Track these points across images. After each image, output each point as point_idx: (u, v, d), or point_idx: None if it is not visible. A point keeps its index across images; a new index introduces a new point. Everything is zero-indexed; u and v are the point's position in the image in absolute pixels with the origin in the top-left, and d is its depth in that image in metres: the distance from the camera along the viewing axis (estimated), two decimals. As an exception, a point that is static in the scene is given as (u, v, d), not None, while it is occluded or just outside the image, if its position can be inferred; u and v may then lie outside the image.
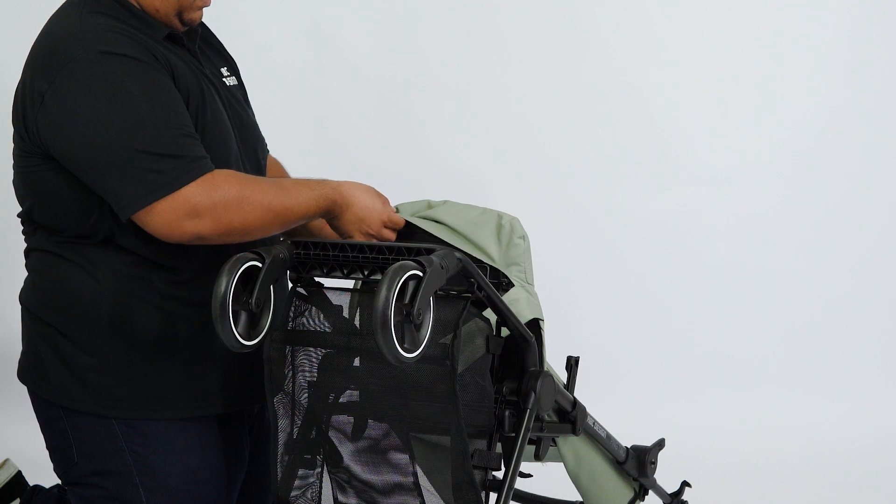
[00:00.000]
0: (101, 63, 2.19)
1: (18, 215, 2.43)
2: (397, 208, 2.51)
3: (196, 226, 2.18)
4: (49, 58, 2.24)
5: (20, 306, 2.45)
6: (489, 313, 2.17)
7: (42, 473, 2.78)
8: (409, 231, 2.46)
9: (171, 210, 2.16)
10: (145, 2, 2.33)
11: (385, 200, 2.44)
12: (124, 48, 2.22)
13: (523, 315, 2.25)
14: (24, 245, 2.44)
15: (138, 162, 2.16)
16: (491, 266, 2.31)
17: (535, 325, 2.28)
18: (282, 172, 2.71)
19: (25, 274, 2.47)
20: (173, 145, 2.18)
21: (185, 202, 2.17)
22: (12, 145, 2.38)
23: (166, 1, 2.33)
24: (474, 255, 2.36)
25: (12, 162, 2.39)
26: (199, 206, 2.17)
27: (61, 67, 2.20)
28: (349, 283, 2.25)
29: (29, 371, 2.42)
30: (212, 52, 2.52)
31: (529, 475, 2.54)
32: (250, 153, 2.46)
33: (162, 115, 2.19)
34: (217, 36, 2.59)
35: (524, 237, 2.39)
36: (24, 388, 2.47)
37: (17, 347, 2.51)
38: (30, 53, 2.32)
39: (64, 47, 2.22)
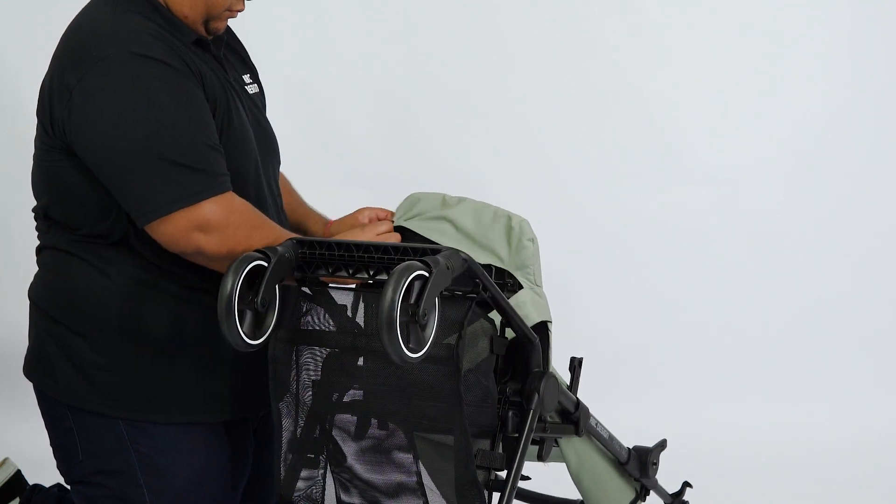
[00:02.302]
0: (133, 64, 2.18)
1: (33, 210, 2.42)
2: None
3: (201, 241, 2.19)
4: (80, 53, 2.22)
5: (28, 302, 2.44)
6: (494, 314, 2.17)
7: (42, 473, 2.78)
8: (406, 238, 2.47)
9: (184, 221, 2.17)
10: (175, 7, 2.32)
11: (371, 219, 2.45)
12: (157, 52, 2.21)
13: (530, 318, 2.26)
14: (33, 242, 2.43)
15: (160, 170, 2.16)
16: (496, 267, 2.31)
17: (542, 327, 2.29)
18: (287, 188, 2.71)
19: (26, 272, 2.47)
20: (197, 157, 2.18)
21: (200, 217, 2.17)
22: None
23: (195, 9, 2.32)
24: (484, 258, 2.37)
25: (33, 153, 2.37)
26: (213, 222, 2.18)
27: (93, 64, 2.19)
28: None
29: (35, 368, 2.42)
30: (235, 59, 2.51)
31: (528, 477, 2.55)
32: (268, 163, 2.46)
33: (188, 125, 2.19)
34: (240, 40, 2.59)
35: (533, 239, 2.40)
36: (24, 388, 2.48)
37: (16, 347, 2.51)
38: (59, 46, 2.30)
39: (97, 44, 2.21)
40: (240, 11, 2.39)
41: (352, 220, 2.58)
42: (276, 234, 2.23)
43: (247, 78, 2.51)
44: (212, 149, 2.21)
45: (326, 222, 2.65)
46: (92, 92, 2.18)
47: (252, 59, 2.59)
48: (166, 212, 2.16)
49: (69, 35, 2.30)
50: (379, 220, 2.56)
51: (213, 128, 2.25)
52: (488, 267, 2.34)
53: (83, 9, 2.34)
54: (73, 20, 2.32)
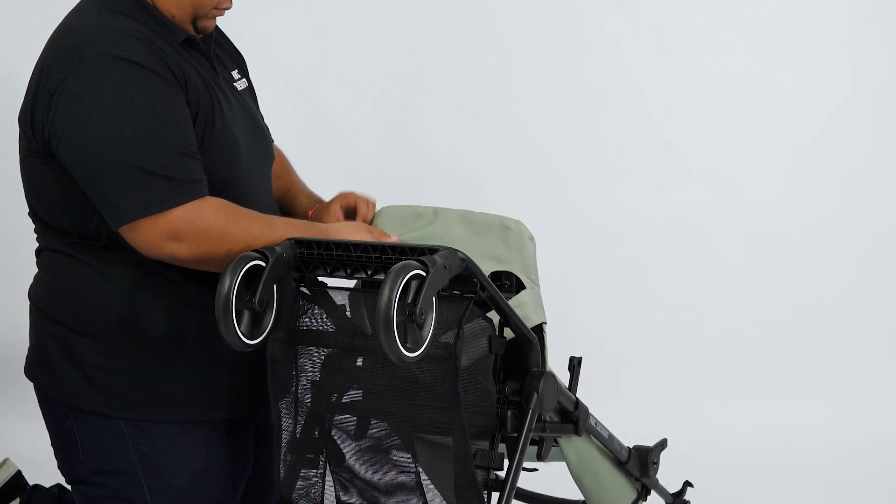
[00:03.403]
0: (111, 68, 2.18)
1: (29, 214, 2.42)
2: (381, 212, 2.52)
3: (173, 248, 2.18)
4: (62, 55, 2.22)
5: (28, 303, 2.44)
6: (493, 314, 2.16)
7: (42, 473, 2.78)
8: None
9: (153, 229, 2.17)
10: (163, 7, 2.31)
11: (380, 235, 2.43)
12: (139, 56, 2.20)
13: (530, 318, 2.26)
14: (32, 244, 2.43)
15: (130, 177, 2.15)
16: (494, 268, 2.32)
17: (537, 326, 2.29)
18: (282, 162, 2.70)
19: (25, 273, 2.47)
20: (167, 165, 2.17)
21: (168, 224, 2.17)
22: (12, 144, 2.36)
23: (182, 8, 2.32)
24: (486, 266, 2.37)
25: (19, 159, 2.36)
26: (182, 230, 2.17)
27: (73, 67, 2.18)
28: (352, 283, 2.25)
29: (36, 368, 2.42)
30: (223, 54, 2.50)
31: (535, 469, 2.54)
32: (259, 160, 2.45)
33: (162, 133, 2.18)
34: (225, 33, 2.58)
35: (532, 238, 2.39)
36: (24, 388, 2.48)
37: (16, 347, 2.51)
38: (45, 48, 2.30)
39: (78, 46, 2.20)
40: (227, 9, 2.38)
41: (331, 212, 2.56)
42: (254, 235, 2.21)
43: (235, 73, 2.50)
44: (185, 155, 2.20)
45: (314, 204, 2.63)
46: (71, 95, 2.18)
47: (238, 49, 2.58)
48: (133, 219, 2.16)
49: (54, 37, 2.29)
50: (349, 206, 2.54)
51: (191, 134, 2.23)
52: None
53: (71, 10, 2.33)
54: (61, 22, 2.32)
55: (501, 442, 2.20)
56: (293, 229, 2.27)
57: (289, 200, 2.66)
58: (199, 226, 2.18)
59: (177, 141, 2.19)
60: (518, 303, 2.28)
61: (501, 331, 2.20)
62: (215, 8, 2.35)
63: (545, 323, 2.32)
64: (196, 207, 2.19)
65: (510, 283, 2.33)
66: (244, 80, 2.52)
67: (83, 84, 2.17)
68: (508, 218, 2.41)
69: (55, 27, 2.33)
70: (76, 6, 2.34)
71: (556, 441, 2.44)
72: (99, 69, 2.17)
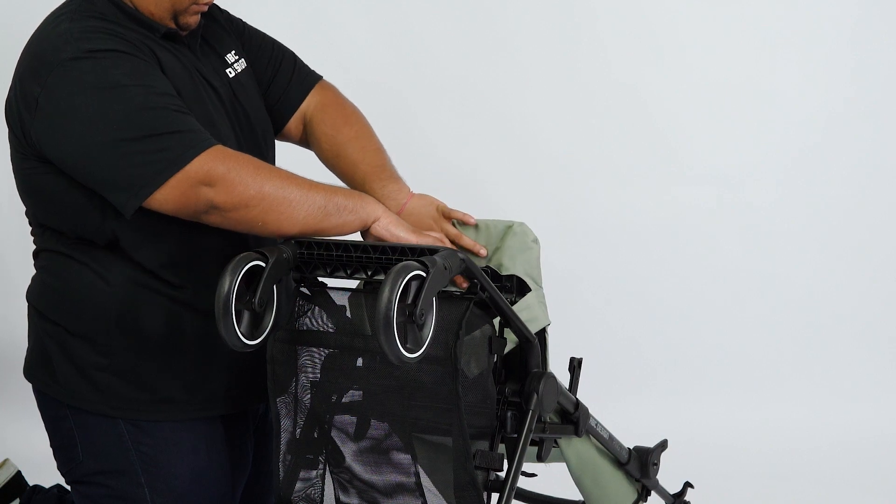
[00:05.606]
0: (87, 62, 2.19)
1: (26, 214, 2.42)
2: None
3: (210, 194, 2.15)
4: (38, 61, 2.23)
5: (26, 305, 2.44)
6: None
7: (42, 473, 2.79)
8: None
9: (183, 182, 2.14)
10: (141, 6, 2.33)
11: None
12: (109, 44, 2.21)
13: (539, 321, 2.26)
14: (30, 245, 2.43)
15: (141, 146, 2.14)
16: (493, 269, 2.32)
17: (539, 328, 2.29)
18: (340, 102, 2.72)
19: (24, 274, 2.46)
20: (174, 122, 2.17)
21: (200, 170, 2.14)
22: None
23: (160, 5, 2.32)
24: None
25: (11, 163, 2.36)
26: (212, 172, 2.14)
27: (51, 70, 2.20)
28: (352, 283, 2.25)
29: (35, 369, 2.43)
30: (218, 37, 2.50)
31: (534, 474, 2.55)
32: (254, 149, 2.44)
33: (153, 98, 2.18)
34: (220, 7, 2.57)
35: (536, 240, 2.39)
36: (24, 388, 2.48)
37: (15, 348, 2.51)
38: (20, 58, 2.31)
39: (53, 50, 2.22)
40: (207, 4, 2.38)
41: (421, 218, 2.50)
42: (285, 176, 2.20)
43: (231, 56, 2.49)
44: (183, 113, 2.20)
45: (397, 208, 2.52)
46: (58, 97, 2.18)
47: (234, 24, 2.57)
48: (160, 183, 2.14)
49: (28, 47, 2.30)
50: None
51: (177, 97, 2.23)
52: (486, 268, 2.34)
53: (45, 18, 2.34)
54: (36, 29, 2.33)
55: (501, 443, 2.20)
56: (337, 195, 2.24)
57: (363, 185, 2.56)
58: (229, 164, 2.16)
59: (169, 102, 2.19)
60: (526, 304, 2.28)
61: (501, 332, 2.20)
62: (194, 3, 2.35)
63: (548, 324, 2.32)
64: (218, 150, 2.17)
65: (511, 284, 2.33)
66: (241, 59, 2.52)
67: (66, 83, 2.18)
68: (512, 221, 2.41)
69: (31, 33, 2.34)
70: (50, 14, 2.35)
71: (556, 442, 2.44)
72: (76, 67, 2.18)
